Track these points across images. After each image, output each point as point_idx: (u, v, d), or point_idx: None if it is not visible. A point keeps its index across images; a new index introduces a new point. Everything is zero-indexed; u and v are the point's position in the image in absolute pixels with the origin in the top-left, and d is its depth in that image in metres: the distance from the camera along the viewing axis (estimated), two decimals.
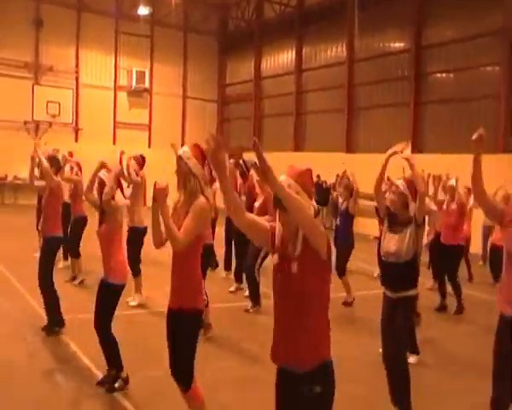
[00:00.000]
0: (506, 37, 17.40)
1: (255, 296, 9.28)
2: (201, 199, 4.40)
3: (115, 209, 5.82)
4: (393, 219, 5.75)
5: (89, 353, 6.59)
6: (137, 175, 9.47)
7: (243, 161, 10.41)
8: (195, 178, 4.42)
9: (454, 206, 10.00)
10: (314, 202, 3.27)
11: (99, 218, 5.99)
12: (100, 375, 5.99)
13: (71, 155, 12.89)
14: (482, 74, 18.53)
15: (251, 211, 10.13)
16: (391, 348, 5.53)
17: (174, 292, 4.50)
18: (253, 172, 10.60)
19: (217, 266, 11.80)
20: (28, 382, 6.01)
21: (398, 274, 5.59)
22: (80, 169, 11.05)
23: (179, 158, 4.48)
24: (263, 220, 3.41)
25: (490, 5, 17.85)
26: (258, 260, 9.25)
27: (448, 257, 9.94)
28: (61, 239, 7.73)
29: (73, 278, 10.41)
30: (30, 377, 6.15)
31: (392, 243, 5.63)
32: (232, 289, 10.63)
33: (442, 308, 9.94)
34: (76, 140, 26.95)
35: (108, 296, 5.78)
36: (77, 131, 27.07)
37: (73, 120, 26.67)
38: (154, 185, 4.17)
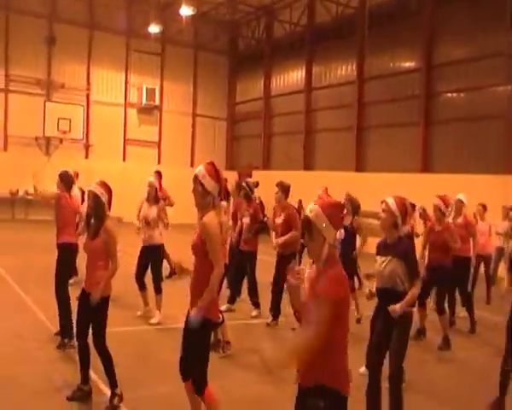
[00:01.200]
0: None
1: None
2: (209, 214, 4.71)
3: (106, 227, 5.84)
4: (383, 241, 5.73)
5: (96, 368, 6.58)
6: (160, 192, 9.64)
7: (246, 183, 10.39)
8: (210, 195, 4.75)
9: (460, 219, 9.97)
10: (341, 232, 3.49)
11: (89, 230, 6.00)
12: (108, 391, 5.98)
13: (76, 175, 12.83)
14: (492, 94, 18.49)
15: (256, 232, 10.18)
16: (391, 366, 5.47)
17: (193, 302, 4.75)
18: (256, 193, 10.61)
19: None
20: (34, 398, 5.99)
21: (393, 297, 5.49)
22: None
23: (195, 177, 4.82)
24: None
25: (500, 25, 17.84)
26: None
27: (457, 269, 9.71)
28: (72, 245, 7.75)
29: None
30: (37, 394, 6.12)
31: (385, 267, 5.54)
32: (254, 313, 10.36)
33: (450, 323, 9.80)
34: (86, 156, 27.13)
35: (104, 308, 5.80)
36: (87, 147, 27.24)
37: (84, 137, 26.83)
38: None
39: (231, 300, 10.44)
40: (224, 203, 8.25)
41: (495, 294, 12.93)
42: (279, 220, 9.47)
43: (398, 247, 5.54)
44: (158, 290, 9.30)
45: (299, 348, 3.31)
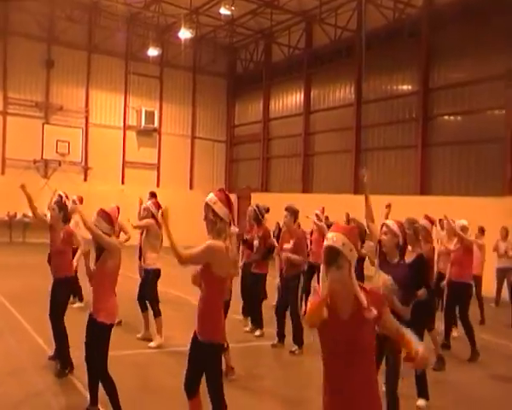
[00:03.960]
0: None
1: (300, 337, 9.22)
2: (217, 241, 4.79)
3: (111, 248, 5.77)
4: (385, 260, 5.80)
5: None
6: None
7: (257, 206, 10.49)
8: (222, 221, 4.83)
9: (459, 244, 9.87)
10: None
11: (96, 255, 5.89)
12: None
13: (80, 200, 12.71)
14: (489, 117, 18.60)
15: (265, 256, 10.23)
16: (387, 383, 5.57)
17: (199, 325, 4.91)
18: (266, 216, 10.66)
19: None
20: None
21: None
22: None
23: (206, 205, 4.88)
24: None
25: (496, 49, 17.99)
26: (299, 302, 9.36)
27: (457, 295, 9.73)
28: (71, 279, 7.69)
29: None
30: None
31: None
32: (248, 329, 10.63)
33: (444, 346, 9.72)
34: (85, 179, 27.13)
35: (106, 335, 5.72)
36: (86, 170, 27.26)
37: (83, 160, 26.85)
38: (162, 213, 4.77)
39: (261, 325, 10.48)
40: (234, 229, 8.27)
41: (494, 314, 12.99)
42: (288, 246, 9.38)
43: (397, 272, 5.62)
44: (156, 314, 9.26)
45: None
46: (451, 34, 19.56)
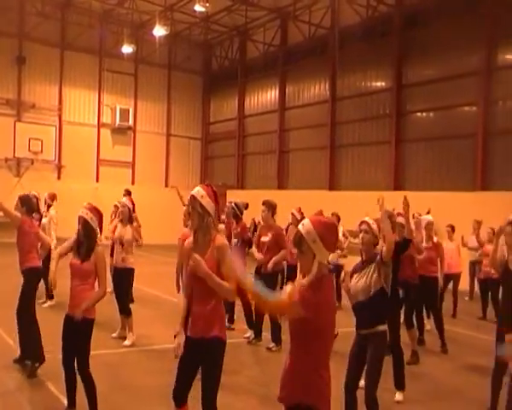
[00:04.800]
0: (482, 78, 17.79)
1: (278, 336, 9.19)
2: (219, 237, 4.68)
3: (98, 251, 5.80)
4: (359, 263, 5.79)
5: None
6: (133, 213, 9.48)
7: (235, 203, 10.48)
8: (210, 216, 4.62)
9: (430, 242, 9.97)
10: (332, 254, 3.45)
11: (78, 252, 5.81)
12: None
13: (53, 197, 12.47)
14: (460, 114, 18.86)
15: (242, 252, 10.26)
16: (364, 382, 5.54)
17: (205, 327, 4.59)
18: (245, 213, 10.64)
19: None
20: None
21: (367, 310, 5.51)
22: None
23: (193, 198, 4.66)
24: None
25: (468, 47, 18.25)
26: None
27: (426, 289, 9.81)
28: (38, 269, 7.60)
29: None
30: None
31: (359, 282, 5.61)
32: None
33: (419, 342, 9.85)
34: (59, 177, 26.85)
35: (89, 331, 5.70)
36: (59, 168, 26.97)
37: (56, 158, 26.54)
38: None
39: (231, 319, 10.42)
40: (221, 226, 8.22)
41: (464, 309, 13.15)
42: (265, 239, 9.38)
43: (374, 257, 5.65)
44: (128, 313, 9.22)
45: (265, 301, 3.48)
46: (424, 32, 19.76)
